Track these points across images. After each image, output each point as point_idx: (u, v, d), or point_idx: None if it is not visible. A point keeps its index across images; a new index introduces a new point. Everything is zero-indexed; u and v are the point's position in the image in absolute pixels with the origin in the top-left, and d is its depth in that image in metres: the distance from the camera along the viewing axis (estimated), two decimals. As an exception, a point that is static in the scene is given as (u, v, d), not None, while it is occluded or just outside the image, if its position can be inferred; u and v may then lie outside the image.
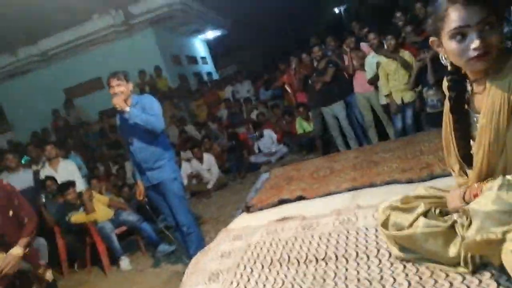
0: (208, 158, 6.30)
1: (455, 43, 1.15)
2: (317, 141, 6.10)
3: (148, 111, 3.19)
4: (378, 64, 4.63)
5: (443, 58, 1.26)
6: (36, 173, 4.92)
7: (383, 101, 4.84)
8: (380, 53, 4.58)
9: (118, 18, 9.91)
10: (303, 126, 6.42)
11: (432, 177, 2.07)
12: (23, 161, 5.32)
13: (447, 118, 1.35)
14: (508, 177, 1.10)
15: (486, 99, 1.19)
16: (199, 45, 14.56)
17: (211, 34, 14.59)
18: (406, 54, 4.36)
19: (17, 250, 2.33)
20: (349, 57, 5.19)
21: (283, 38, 14.62)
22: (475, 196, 1.20)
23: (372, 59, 4.78)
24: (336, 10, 18.09)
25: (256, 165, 6.35)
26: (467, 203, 1.22)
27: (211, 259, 1.84)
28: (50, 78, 10.32)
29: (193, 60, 13.43)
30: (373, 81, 4.86)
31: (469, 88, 1.28)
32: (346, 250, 1.56)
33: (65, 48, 10.01)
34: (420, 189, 1.48)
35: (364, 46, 5.34)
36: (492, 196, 1.07)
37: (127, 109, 3.14)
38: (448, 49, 1.18)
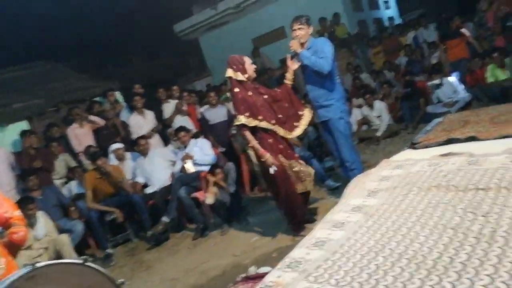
0: (379, 104, 6.25)
1: None
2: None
3: (319, 53, 3.43)
4: None
5: None
6: (229, 109, 5.83)
7: None
8: None
9: (302, -32, 10.19)
10: (496, 74, 5.66)
11: None
12: (222, 98, 6.34)
13: None
14: None
15: None
16: (382, -12, 13.76)
17: (397, -24, 13.54)
18: None
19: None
20: None
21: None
22: None
23: None
24: None
25: (432, 115, 5.97)
26: None
27: (371, 180, 2.03)
28: (241, 29, 11.58)
29: (374, 5, 12.86)
30: None
31: None
32: (510, 183, 1.54)
33: (254, 0, 10.95)
34: None
35: None
36: None
37: (299, 50, 3.43)
38: None
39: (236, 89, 3.24)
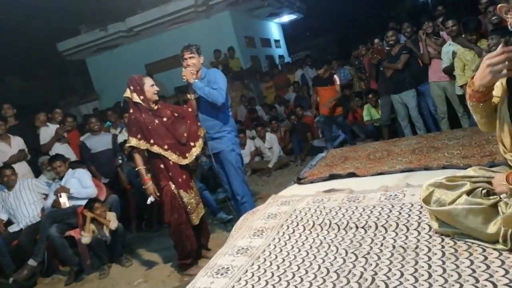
0: (270, 137, 6.45)
1: None
2: (383, 130, 5.95)
3: (212, 84, 3.38)
4: (454, 53, 4.38)
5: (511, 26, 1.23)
6: (114, 137, 5.41)
7: (459, 91, 4.58)
8: (457, 42, 4.33)
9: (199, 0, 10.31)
10: (371, 113, 6.28)
11: (493, 165, 1.98)
12: (106, 125, 5.85)
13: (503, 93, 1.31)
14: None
15: None
16: (274, 28, 14.65)
17: (287, 18, 14.59)
18: (484, 43, 4.07)
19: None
20: (423, 44, 4.96)
21: (360, 24, 14.17)
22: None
23: (448, 47, 4.52)
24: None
25: (318, 149, 6.35)
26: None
27: (258, 218, 1.97)
28: (134, 54, 11.13)
29: (266, 42, 13.58)
30: (449, 70, 4.60)
31: None
32: (386, 221, 1.60)
33: (149, 26, 10.65)
34: (469, 170, 1.47)
35: (444, 33, 5.06)
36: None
37: (192, 81, 3.35)
38: None
39: (131, 110, 3.15)
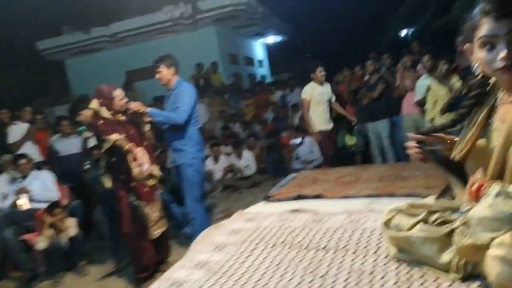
0: (247, 155, 6.44)
1: (484, 52, 1.15)
2: (356, 156, 6.05)
3: (177, 101, 3.35)
4: (429, 87, 4.53)
5: (474, 66, 1.27)
6: (85, 140, 5.27)
7: (428, 124, 4.72)
8: (432, 76, 4.49)
9: (186, 12, 10.36)
10: (345, 139, 6.37)
11: (454, 197, 2.03)
12: (80, 129, 5.69)
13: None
14: (508, 186, 1.10)
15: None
16: (258, 48, 14.84)
17: (272, 39, 14.84)
18: (455, 80, 4.24)
19: None
20: (400, 76, 5.12)
21: (343, 51, 14.55)
22: (479, 187, 1.20)
23: (423, 81, 4.69)
24: (404, 32, 17.66)
25: (292, 170, 6.37)
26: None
27: (220, 233, 1.94)
28: (116, 59, 11.02)
29: (250, 61, 13.72)
30: (421, 103, 4.75)
31: (500, 96, 1.25)
32: (347, 244, 1.60)
33: (134, 33, 10.63)
34: (430, 198, 1.50)
35: (420, 67, 5.24)
36: (487, 202, 1.08)
37: (147, 110, 3.28)
38: (478, 58, 1.19)
39: (100, 122, 3.03)
